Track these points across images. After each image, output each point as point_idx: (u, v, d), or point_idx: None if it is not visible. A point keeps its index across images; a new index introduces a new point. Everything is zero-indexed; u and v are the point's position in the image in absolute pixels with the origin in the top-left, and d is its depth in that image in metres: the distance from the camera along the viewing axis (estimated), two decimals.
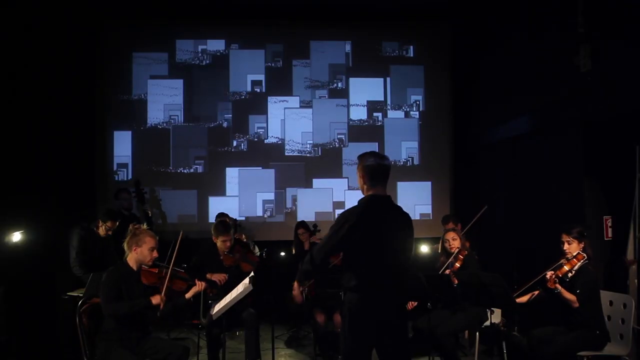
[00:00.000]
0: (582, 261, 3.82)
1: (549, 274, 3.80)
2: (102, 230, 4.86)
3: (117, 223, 4.88)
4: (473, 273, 4.06)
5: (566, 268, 3.82)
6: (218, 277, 4.41)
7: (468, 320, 4.35)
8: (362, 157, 3.07)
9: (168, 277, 3.65)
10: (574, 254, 3.84)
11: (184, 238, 5.81)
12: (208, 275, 4.39)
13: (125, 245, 3.65)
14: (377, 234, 2.95)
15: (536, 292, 3.98)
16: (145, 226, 3.83)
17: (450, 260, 4.46)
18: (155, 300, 3.51)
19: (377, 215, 3.00)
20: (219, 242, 4.64)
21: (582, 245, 3.86)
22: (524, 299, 4.02)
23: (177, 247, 3.79)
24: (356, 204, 3.05)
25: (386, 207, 3.04)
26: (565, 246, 3.90)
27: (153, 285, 3.64)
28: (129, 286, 3.55)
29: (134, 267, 3.63)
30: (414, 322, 4.51)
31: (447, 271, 4.40)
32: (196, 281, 3.83)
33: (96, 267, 4.46)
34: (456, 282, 4.12)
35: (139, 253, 3.60)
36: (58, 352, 4.91)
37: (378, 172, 3.01)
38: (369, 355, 3.00)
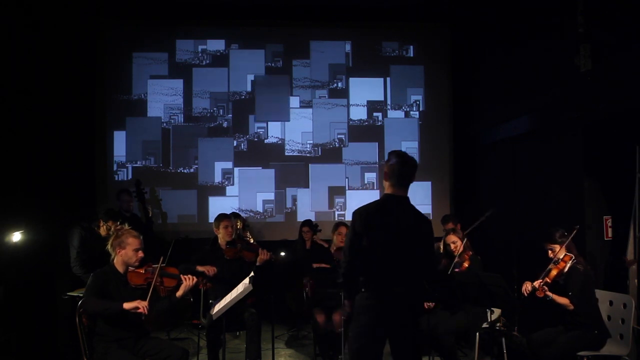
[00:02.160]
0: (570, 262, 3.82)
1: (536, 283, 3.80)
2: (103, 230, 4.86)
3: (118, 223, 4.88)
4: (473, 273, 4.06)
5: (554, 272, 3.82)
6: (206, 269, 4.32)
7: (468, 320, 4.35)
8: (389, 154, 3.13)
9: (155, 276, 3.57)
10: (561, 256, 3.85)
11: (184, 238, 5.82)
12: (197, 267, 4.32)
13: (109, 248, 3.61)
14: (385, 233, 2.95)
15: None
16: (127, 226, 3.78)
17: (456, 261, 4.45)
18: (128, 305, 3.34)
19: (389, 214, 3.00)
20: (221, 231, 4.59)
21: (565, 246, 3.87)
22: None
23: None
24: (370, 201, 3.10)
25: (400, 208, 3.04)
26: (550, 254, 3.92)
27: (141, 287, 3.57)
28: (116, 288, 3.51)
29: (121, 270, 3.59)
30: None
31: (456, 271, 4.41)
32: (182, 277, 3.71)
33: (96, 267, 4.44)
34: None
35: (123, 255, 3.56)
36: (58, 352, 4.91)
37: (397, 174, 3.04)
38: (379, 355, 3.00)
